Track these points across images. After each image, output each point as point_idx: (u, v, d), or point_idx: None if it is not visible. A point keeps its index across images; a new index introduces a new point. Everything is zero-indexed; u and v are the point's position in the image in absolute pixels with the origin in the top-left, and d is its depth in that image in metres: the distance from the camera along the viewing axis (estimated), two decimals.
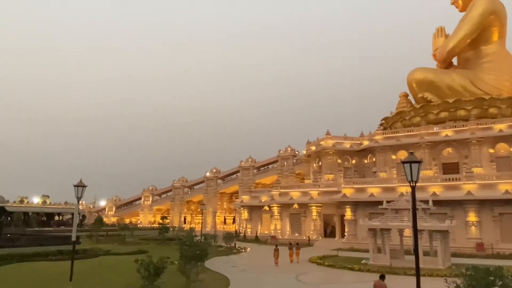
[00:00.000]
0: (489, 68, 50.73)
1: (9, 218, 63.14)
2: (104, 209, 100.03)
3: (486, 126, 45.28)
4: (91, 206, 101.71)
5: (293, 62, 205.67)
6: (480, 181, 38.02)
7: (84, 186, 18.81)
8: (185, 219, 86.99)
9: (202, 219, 63.81)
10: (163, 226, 47.43)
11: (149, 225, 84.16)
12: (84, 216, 78.94)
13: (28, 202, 67.39)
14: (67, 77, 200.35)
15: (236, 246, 39.13)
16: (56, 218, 74.43)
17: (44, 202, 69.46)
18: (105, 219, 78.10)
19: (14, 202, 64.36)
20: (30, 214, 66.66)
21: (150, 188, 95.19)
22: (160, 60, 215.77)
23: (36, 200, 70.58)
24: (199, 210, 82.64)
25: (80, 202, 19.21)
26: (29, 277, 20.68)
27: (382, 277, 13.36)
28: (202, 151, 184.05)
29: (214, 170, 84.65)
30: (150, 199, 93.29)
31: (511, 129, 43.77)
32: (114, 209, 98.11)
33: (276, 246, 29.13)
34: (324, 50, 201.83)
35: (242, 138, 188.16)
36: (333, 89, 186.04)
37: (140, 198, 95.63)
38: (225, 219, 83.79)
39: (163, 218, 50.73)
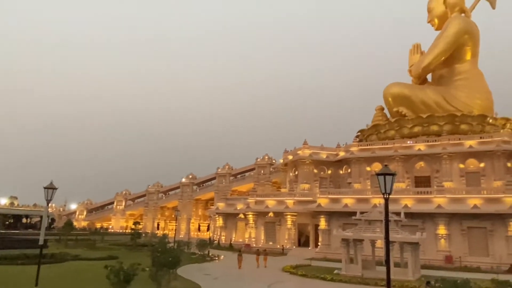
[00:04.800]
0: (462, 85, 52.56)
1: None
2: (74, 212, 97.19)
3: (457, 141, 46.75)
4: (61, 209, 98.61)
5: (273, 70, 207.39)
6: (450, 195, 39.12)
7: (55, 189, 18.21)
8: (158, 225, 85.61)
9: (176, 225, 62.88)
10: (135, 232, 46.55)
11: (121, 231, 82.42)
12: (53, 220, 76.38)
13: None
14: (34, 73, 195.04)
15: (210, 254, 38.74)
16: (24, 220, 71.73)
17: (11, 204, 67.03)
18: (75, 223, 76.02)
19: None
20: None
21: (124, 192, 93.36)
22: (140, 63, 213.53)
23: (4, 201, 67.99)
24: (173, 216, 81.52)
25: (49, 204, 18.59)
26: None
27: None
28: (178, 157, 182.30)
29: (190, 176, 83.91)
30: (123, 203, 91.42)
31: (480, 145, 45.35)
32: (85, 213, 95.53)
33: (240, 251, 31.94)
34: (304, 61, 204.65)
35: (220, 145, 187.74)
36: (312, 99, 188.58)
37: (112, 203, 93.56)
38: (199, 226, 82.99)
39: (135, 223, 49.84)
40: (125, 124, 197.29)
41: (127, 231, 76.13)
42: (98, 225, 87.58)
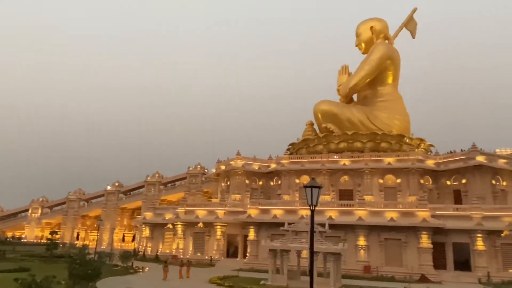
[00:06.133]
0: (383, 107, 56.77)
1: None
2: None
3: (377, 158, 50.22)
4: None
5: (208, 80, 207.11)
6: (370, 208, 41.73)
7: None
8: (78, 235, 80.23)
9: (98, 235, 59.40)
10: (51, 242, 43.13)
11: (35, 240, 75.90)
12: None
13: None
14: None
15: (134, 266, 37.07)
16: None
17: None
18: None
19: None
20: None
21: (41, 199, 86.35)
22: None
23: None
24: (95, 225, 77.07)
25: None
26: None
27: None
28: (104, 164, 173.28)
29: (117, 184, 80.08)
30: (39, 211, 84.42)
31: (398, 163, 49.17)
32: None
33: (166, 262, 32.78)
34: (240, 73, 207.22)
35: (150, 153, 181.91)
36: (246, 112, 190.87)
37: (27, 210, 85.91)
38: (124, 236, 79.26)
39: (52, 233, 46.22)
40: (43, 124, 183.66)
41: (42, 241, 70.26)
42: (9, 234, 79.83)
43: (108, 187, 79.45)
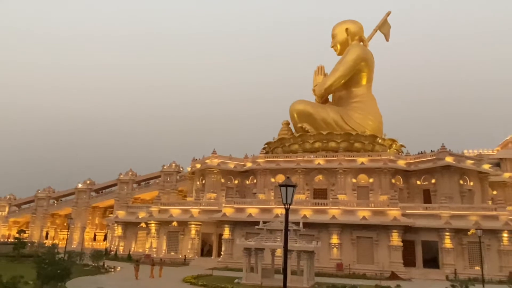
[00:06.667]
0: (357, 107, 57.82)
1: None
2: None
3: (351, 158, 51.10)
4: None
5: (183, 76, 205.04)
6: (343, 207, 42.43)
7: None
8: (47, 234, 77.83)
9: (68, 234, 57.76)
10: (19, 241, 41.77)
11: (2, 240, 73.15)
12: None
13: None
14: None
15: (105, 265, 36.35)
16: None
17: None
18: None
19: None
20: None
21: (8, 197, 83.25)
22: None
23: None
24: (65, 224, 75.03)
25: None
26: None
27: None
28: (76, 162, 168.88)
29: (88, 182, 78.14)
30: (6, 209, 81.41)
31: (370, 162, 50.20)
32: None
33: (137, 261, 32.81)
34: (217, 72, 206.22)
35: (124, 150, 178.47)
36: (222, 110, 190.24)
37: None
38: (95, 235, 77.50)
39: (20, 232, 44.78)
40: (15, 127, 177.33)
41: (9, 240, 67.86)
42: None
43: (79, 185, 77.48)
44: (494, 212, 39.89)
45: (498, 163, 58.28)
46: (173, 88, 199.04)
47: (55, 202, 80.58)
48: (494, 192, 55.36)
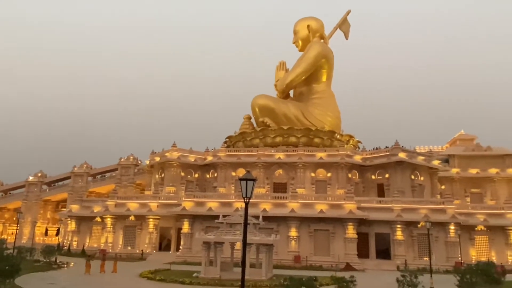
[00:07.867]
0: (317, 104, 58.97)
1: None
2: None
3: (310, 153, 52.15)
4: None
5: (145, 69, 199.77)
6: (302, 201, 43.31)
7: None
8: None
9: (17, 229, 54.93)
10: None
11: None
12: None
13: None
14: None
15: (58, 261, 34.96)
16: None
17: None
18: None
19: None
20: None
21: None
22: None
23: None
24: (14, 219, 71.19)
25: None
26: None
27: None
28: (27, 153, 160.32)
29: (40, 174, 74.54)
30: None
31: (328, 157, 51.47)
32: None
33: (89, 256, 32.87)
34: (177, 65, 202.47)
35: (79, 142, 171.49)
36: (183, 103, 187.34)
37: None
38: (47, 230, 74.21)
39: None
40: None
41: None
42: None
43: (30, 178, 73.76)
44: (442, 206, 42.27)
45: (446, 160, 61.72)
46: (134, 80, 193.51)
47: (3, 195, 76.35)
48: (443, 187, 58.63)
